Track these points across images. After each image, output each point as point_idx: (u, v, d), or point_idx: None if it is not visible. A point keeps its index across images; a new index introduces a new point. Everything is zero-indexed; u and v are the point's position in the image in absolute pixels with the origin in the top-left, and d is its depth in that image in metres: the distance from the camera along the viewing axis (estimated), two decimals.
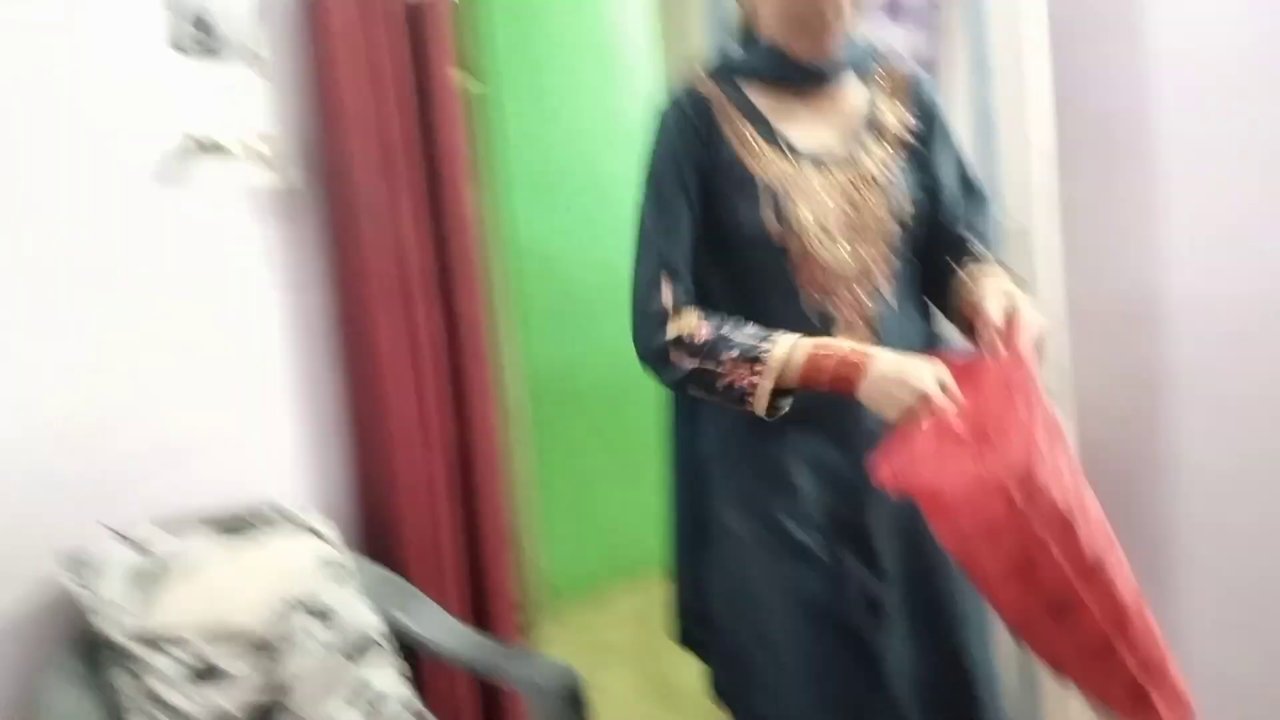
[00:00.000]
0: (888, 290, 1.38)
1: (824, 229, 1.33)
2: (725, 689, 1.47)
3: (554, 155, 3.38)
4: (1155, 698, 1.19)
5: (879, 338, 1.36)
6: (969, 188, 1.46)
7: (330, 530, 1.74)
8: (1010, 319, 1.26)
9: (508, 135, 3.28)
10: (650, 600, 3.45)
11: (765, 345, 1.27)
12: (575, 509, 3.47)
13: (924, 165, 1.41)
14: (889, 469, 1.19)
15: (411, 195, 1.86)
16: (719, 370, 1.28)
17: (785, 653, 1.33)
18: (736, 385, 1.27)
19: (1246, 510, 1.95)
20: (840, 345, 1.26)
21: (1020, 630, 1.24)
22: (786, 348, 1.26)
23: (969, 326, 1.38)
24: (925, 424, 1.19)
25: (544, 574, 3.46)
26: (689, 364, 1.30)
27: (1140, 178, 2.00)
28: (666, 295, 1.33)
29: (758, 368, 1.25)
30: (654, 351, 1.34)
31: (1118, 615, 1.17)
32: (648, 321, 1.34)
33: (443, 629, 1.73)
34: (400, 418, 1.84)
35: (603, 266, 3.41)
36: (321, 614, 1.59)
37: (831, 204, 1.34)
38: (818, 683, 1.32)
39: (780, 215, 1.32)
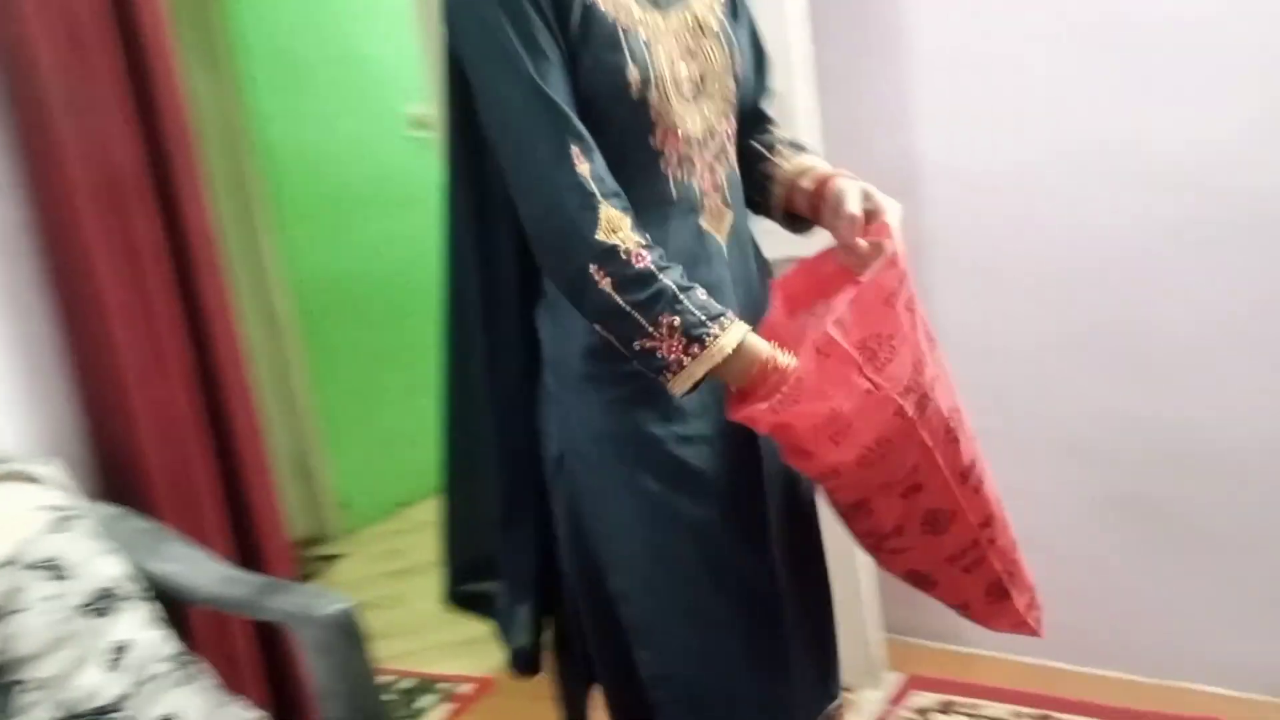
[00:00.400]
0: (732, 158, 1.22)
1: (678, 82, 1.12)
2: (590, 654, 1.25)
3: (306, 41, 3.08)
4: (1014, 594, 1.19)
5: (733, 210, 1.20)
6: (759, 53, 1.29)
7: (55, 474, 1.53)
8: (872, 215, 1.13)
9: (245, 17, 2.96)
10: None
11: (713, 328, 1.04)
12: (365, 426, 3.31)
13: (736, 19, 1.23)
14: (747, 410, 1.05)
15: (111, 84, 1.60)
16: (649, 329, 1.03)
17: (681, 595, 1.15)
18: (659, 355, 1.04)
19: (992, 366, 2.04)
20: (788, 365, 1.05)
21: (886, 548, 1.18)
22: (734, 340, 1.04)
23: (789, 216, 1.27)
24: (814, 350, 1.04)
25: (338, 496, 3.31)
26: (615, 298, 1.03)
27: (893, 46, 1.99)
28: (583, 169, 1.04)
29: (694, 349, 1.03)
30: (580, 242, 1.04)
31: (987, 517, 1.15)
32: (567, 198, 1.03)
33: (199, 569, 1.57)
34: (127, 343, 1.62)
35: (371, 163, 3.18)
36: (48, 567, 1.40)
37: (679, 52, 1.13)
38: (719, 619, 1.16)
39: (640, 66, 1.08)
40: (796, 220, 1.29)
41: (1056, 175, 1.89)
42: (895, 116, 2.01)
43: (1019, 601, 1.20)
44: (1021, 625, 1.23)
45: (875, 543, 1.19)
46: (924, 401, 1.07)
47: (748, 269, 1.24)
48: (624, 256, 1.03)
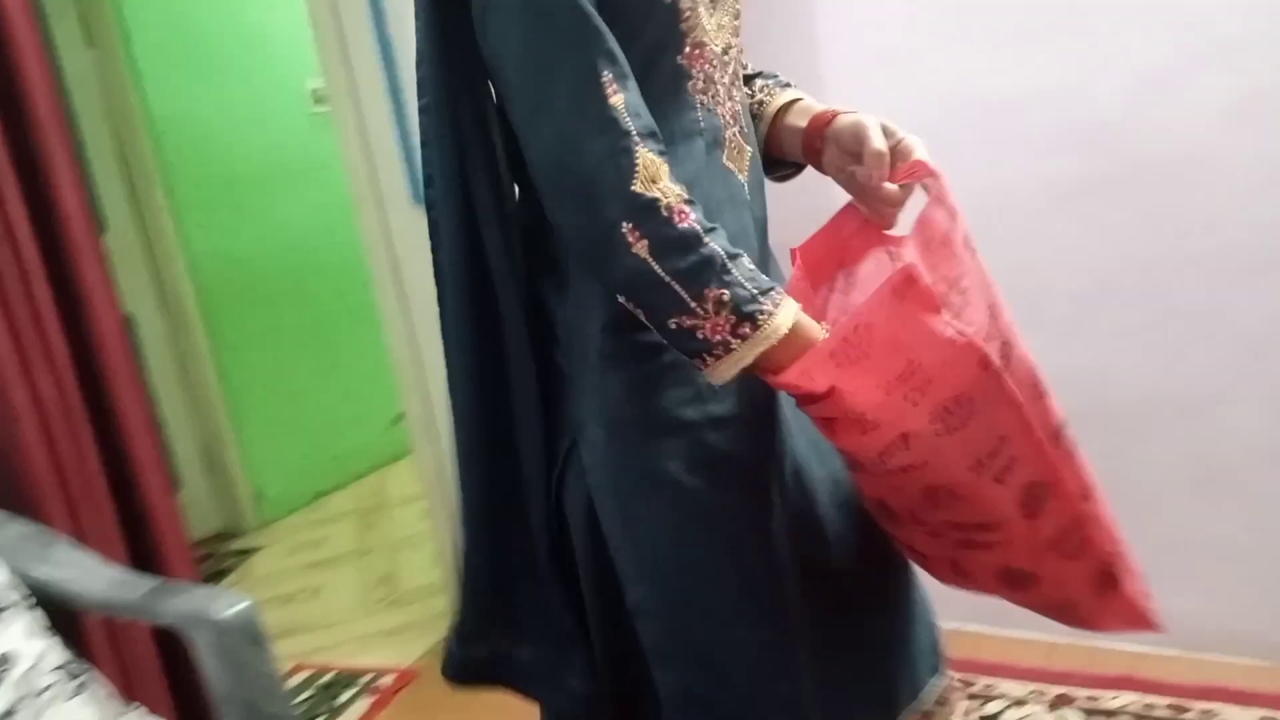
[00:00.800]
0: (742, 84, 1.04)
1: None
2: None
3: (198, 16, 2.94)
4: (1124, 580, 0.98)
5: (751, 146, 1.03)
6: None
7: None
8: (898, 153, 0.97)
9: None
10: (370, 500, 3.32)
11: (766, 304, 0.86)
12: (277, 413, 3.21)
13: None
14: (801, 365, 0.86)
15: None
16: (690, 304, 0.85)
17: (711, 605, 0.99)
18: (701, 335, 0.86)
19: None
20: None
21: (979, 541, 0.95)
22: (789, 319, 0.87)
23: (768, 159, 1.10)
24: (889, 292, 0.86)
25: (252, 488, 3.20)
26: (652, 265, 0.85)
27: (793, 10, 1.96)
28: (617, 100, 0.84)
29: (744, 329, 0.85)
30: (612, 195, 0.85)
31: (1086, 487, 0.96)
32: (596, 138, 0.84)
33: (87, 574, 1.48)
34: (0, 337, 1.52)
35: (271, 140, 3.07)
36: None
37: None
38: (751, 629, 1.00)
39: None
40: (775, 164, 1.13)
41: (946, 134, 1.86)
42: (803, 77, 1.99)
43: (1130, 588, 0.99)
44: (1137, 618, 1.00)
45: (971, 544, 0.96)
46: (1007, 350, 0.90)
47: (764, 215, 1.06)
48: (665, 214, 0.84)
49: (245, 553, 3.12)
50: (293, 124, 3.04)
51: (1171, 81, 1.71)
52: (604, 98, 0.84)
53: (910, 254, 0.88)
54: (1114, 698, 1.87)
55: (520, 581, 1.07)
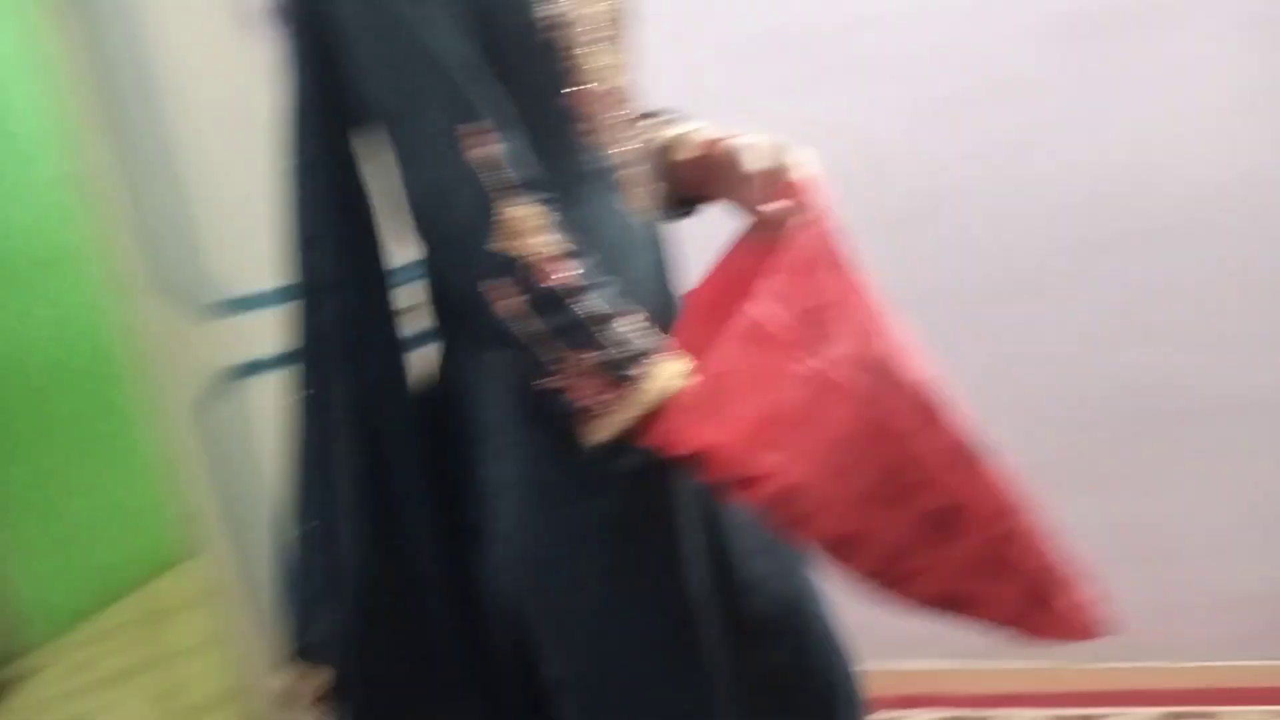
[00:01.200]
0: (637, 120, 1.01)
1: (594, 19, 0.92)
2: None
3: None
4: (1053, 597, 0.96)
5: (650, 185, 1.00)
6: None
7: None
8: (778, 172, 0.95)
9: None
10: (155, 610, 3.08)
11: (642, 366, 0.83)
12: (43, 525, 2.94)
13: None
14: (663, 426, 0.83)
15: None
16: (553, 367, 0.82)
17: (644, 671, 0.96)
18: (567, 397, 0.83)
19: None
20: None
21: (901, 572, 0.91)
22: (665, 385, 0.84)
23: (670, 201, 1.06)
24: (736, 341, 0.84)
25: (18, 608, 2.91)
26: (512, 326, 0.82)
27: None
28: (479, 153, 0.81)
29: (615, 393, 0.82)
30: (470, 253, 0.82)
31: (998, 506, 0.93)
32: (455, 193, 0.82)
33: None
34: None
35: (25, 230, 2.84)
36: None
37: None
38: (682, 689, 0.97)
39: None
40: (678, 201, 1.10)
41: None
42: None
43: (1062, 603, 0.96)
44: (1076, 630, 0.97)
45: (887, 578, 0.92)
46: (883, 378, 0.88)
47: (667, 256, 1.04)
48: (524, 273, 0.81)
49: (13, 681, 2.83)
50: (40, 212, 2.83)
51: (945, 119, 1.82)
52: (460, 152, 0.81)
53: (763, 288, 0.87)
54: (903, 717, 1.94)
55: (422, 674, 1.00)
